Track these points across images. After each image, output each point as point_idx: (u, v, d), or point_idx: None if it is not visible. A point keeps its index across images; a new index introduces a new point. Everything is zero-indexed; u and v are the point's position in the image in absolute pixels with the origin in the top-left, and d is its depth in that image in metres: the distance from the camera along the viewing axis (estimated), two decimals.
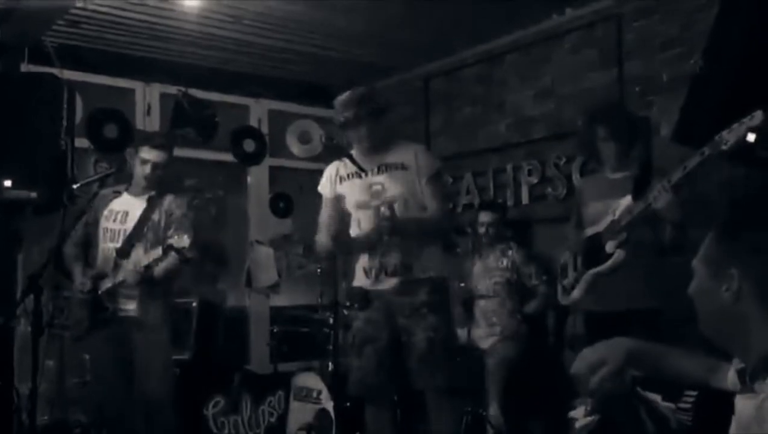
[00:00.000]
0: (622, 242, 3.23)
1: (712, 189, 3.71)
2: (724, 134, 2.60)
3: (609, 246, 3.27)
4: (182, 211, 3.72)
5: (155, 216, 3.68)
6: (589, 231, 3.41)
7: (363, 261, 3.38)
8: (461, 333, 4.53)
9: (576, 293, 3.41)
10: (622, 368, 1.68)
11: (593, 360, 1.69)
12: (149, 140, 3.81)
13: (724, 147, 2.61)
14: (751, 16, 3.00)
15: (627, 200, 3.23)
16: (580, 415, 1.89)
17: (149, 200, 3.72)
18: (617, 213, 3.26)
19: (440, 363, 3.19)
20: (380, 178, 3.34)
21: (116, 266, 3.56)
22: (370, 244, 3.30)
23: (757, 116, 2.51)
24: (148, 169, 3.67)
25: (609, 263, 3.26)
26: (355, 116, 3.31)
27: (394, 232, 3.20)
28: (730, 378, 1.64)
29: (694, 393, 2.19)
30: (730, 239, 1.53)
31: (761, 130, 2.51)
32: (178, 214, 3.70)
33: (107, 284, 3.56)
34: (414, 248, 3.28)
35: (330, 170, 3.52)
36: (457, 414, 3.40)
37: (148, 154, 3.69)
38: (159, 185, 3.75)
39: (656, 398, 1.79)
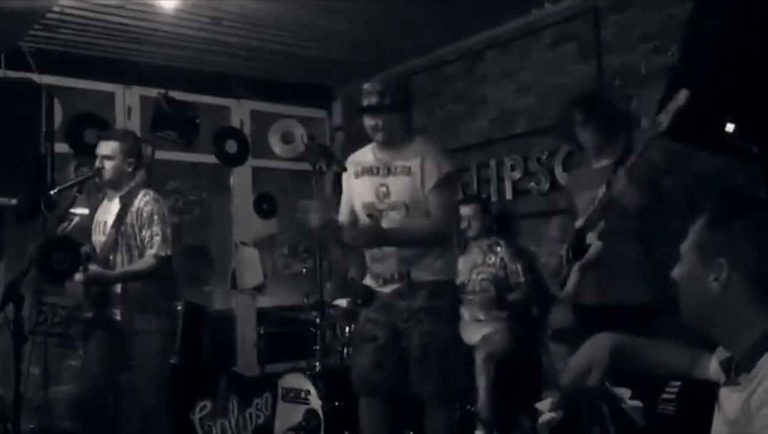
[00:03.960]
0: (601, 232, 3.26)
1: (692, 179, 3.73)
2: (660, 116, 2.79)
3: (589, 237, 3.31)
4: (150, 207, 3.61)
5: (128, 219, 3.61)
6: (577, 223, 3.44)
7: (368, 262, 3.42)
8: None
9: (568, 287, 3.42)
10: (609, 366, 1.67)
11: (581, 367, 1.68)
12: (101, 135, 3.81)
13: (660, 129, 2.80)
14: (728, 7, 3.01)
15: (604, 190, 3.25)
16: (545, 408, 1.88)
17: (121, 200, 3.66)
18: (596, 203, 3.29)
19: (436, 369, 3.18)
20: (388, 180, 3.31)
21: None
22: (359, 245, 3.35)
23: (682, 94, 2.70)
24: (98, 162, 3.64)
25: (587, 255, 3.31)
26: (381, 105, 3.25)
27: (376, 243, 3.24)
28: (712, 367, 1.64)
29: (678, 384, 2.20)
30: (719, 228, 1.53)
31: (685, 108, 2.70)
32: (147, 211, 3.61)
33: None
34: (415, 255, 3.26)
35: (352, 159, 3.49)
36: (453, 414, 3.40)
37: (98, 148, 3.67)
38: (119, 180, 3.68)
39: (624, 394, 1.79)
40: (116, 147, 3.65)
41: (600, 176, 3.34)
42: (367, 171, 3.37)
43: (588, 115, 3.41)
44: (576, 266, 3.38)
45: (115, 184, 3.68)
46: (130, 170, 3.70)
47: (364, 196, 3.36)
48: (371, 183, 3.35)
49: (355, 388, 3.44)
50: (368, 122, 3.31)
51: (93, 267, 3.52)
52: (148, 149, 5.13)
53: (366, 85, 3.33)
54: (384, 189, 3.30)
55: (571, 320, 4.40)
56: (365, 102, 3.29)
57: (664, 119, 2.76)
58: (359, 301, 3.54)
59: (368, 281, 3.43)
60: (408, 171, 3.28)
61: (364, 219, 3.35)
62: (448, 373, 3.22)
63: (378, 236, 3.22)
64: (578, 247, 3.38)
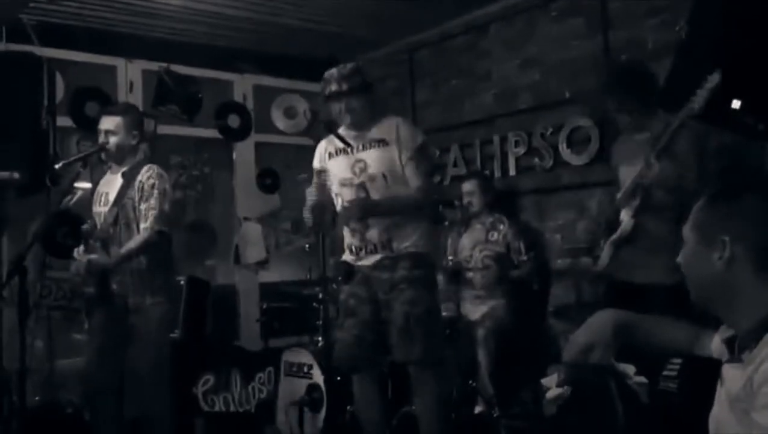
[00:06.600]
0: (636, 209, 3.23)
1: (707, 157, 3.70)
2: (695, 97, 2.76)
3: (622, 213, 3.29)
4: (153, 181, 3.58)
5: (130, 192, 3.59)
6: (618, 196, 3.40)
7: (347, 238, 3.44)
8: (450, 305, 4.55)
9: (601, 262, 3.39)
10: (612, 343, 1.67)
11: (583, 344, 1.69)
12: (104, 109, 3.79)
13: (694, 111, 2.79)
14: None
15: (642, 166, 3.19)
16: (551, 384, 1.88)
17: (123, 176, 3.64)
18: (631, 180, 3.26)
19: (420, 336, 3.22)
20: (363, 155, 3.37)
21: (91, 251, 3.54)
22: (347, 220, 3.34)
23: (715, 77, 2.68)
24: (102, 137, 3.63)
25: (618, 231, 3.29)
26: (342, 90, 3.34)
27: (366, 214, 3.27)
28: (714, 345, 1.64)
29: (679, 361, 2.21)
30: (721, 206, 1.52)
31: (720, 88, 2.68)
32: (149, 185, 3.58)
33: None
34: (394, 225, 3.31)
35: (321, 146, 3.56)
36: (444, 386, 3.42)
37: (101, 123, 3.65)
38: (123, 155, 3.65)
39: (629, 370, 1.79)
40: (119, 121, 3.64)
41: (640, 148, 3.27)
42: (341, 151, 3.42)
43: (622, 104, 3.35)
44: (608, 242, 3.34)
45: (119, 158, 3.67)
46: (133, 143, 3.69)
47: (341, 174, 3.40)
48: (346, 161, 3.39)
49: (337, 364, 3.50)
50: (333, 108, 3.39)
51: (93, 256, 3.50)
52: (150, 124, 5.11)
53: (326, 75, 3.41)
54: (361, 164, 3.35)
55: (572, 297, 4.42)
56: (327, 90, 3.38)
57: (698, 100, 2.73)
58: (339, 278, 3.56)
59: (347, 256, 3.46)
60: (383, 143, 3.35)
61: (344, 196, 3.36)
62: (431, 340, 3.27)
63: (369, 207, 3.27)
64: (614, 222, 3.36)
